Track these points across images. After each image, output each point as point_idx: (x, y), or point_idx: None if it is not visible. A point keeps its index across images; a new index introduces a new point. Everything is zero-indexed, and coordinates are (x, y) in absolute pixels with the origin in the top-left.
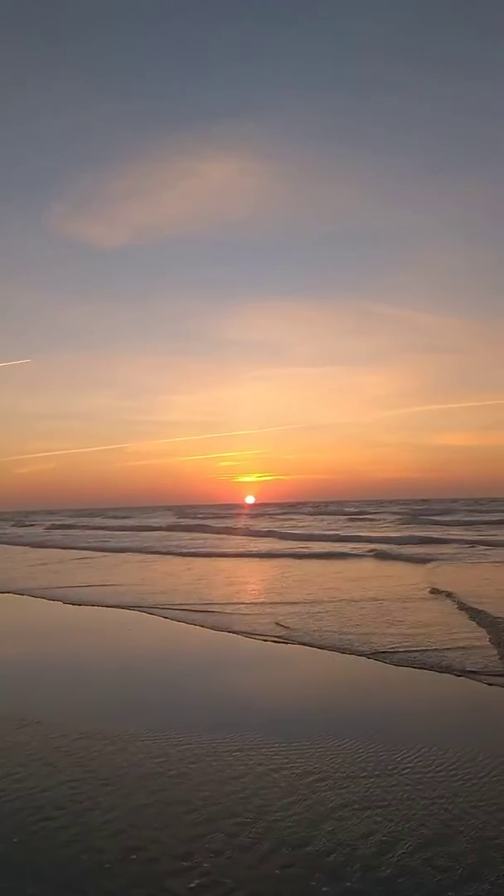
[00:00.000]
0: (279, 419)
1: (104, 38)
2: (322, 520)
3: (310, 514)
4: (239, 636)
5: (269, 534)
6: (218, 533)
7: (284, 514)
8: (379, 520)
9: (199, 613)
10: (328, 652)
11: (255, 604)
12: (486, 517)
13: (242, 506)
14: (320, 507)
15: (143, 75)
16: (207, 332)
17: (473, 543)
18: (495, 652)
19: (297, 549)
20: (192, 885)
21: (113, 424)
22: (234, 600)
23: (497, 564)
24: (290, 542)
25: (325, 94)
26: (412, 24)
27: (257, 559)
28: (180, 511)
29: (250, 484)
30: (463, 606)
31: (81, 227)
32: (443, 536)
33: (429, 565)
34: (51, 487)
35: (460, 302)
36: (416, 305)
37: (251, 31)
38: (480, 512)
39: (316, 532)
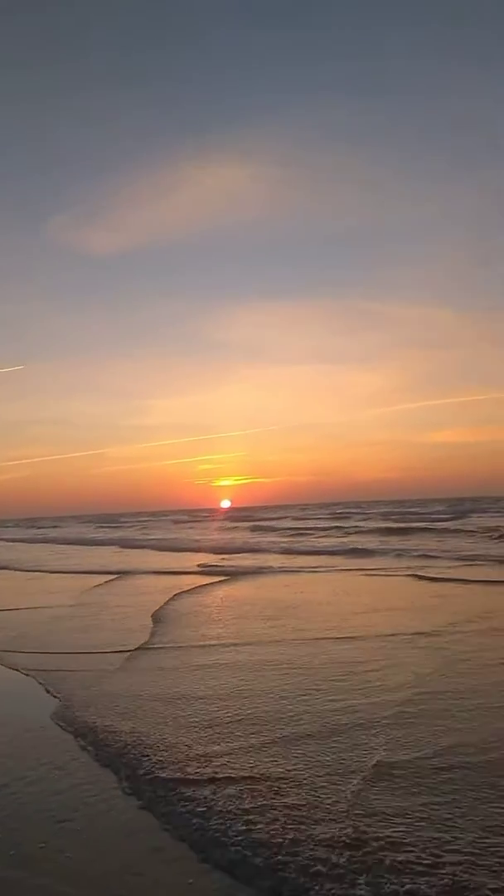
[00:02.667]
0: (263, 420)
1: (106, 47)
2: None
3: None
4: None
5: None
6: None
7: (214, 521)
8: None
9: None
10: None
11: None
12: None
13: (206, 511)
14: (283, 513)
15: (147, 83)
16: (192, 335)
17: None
18: None
19: (126, 567)
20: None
21: (92, 429)
22: None
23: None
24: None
25: (318, 92)
26: (410, 23)
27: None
28: (109, 519)
29: (227, 488)
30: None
31: (80, 235)
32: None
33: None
34: (25, 495)
35: (449, 296)
36: (404, 301)
37: (253, 35)
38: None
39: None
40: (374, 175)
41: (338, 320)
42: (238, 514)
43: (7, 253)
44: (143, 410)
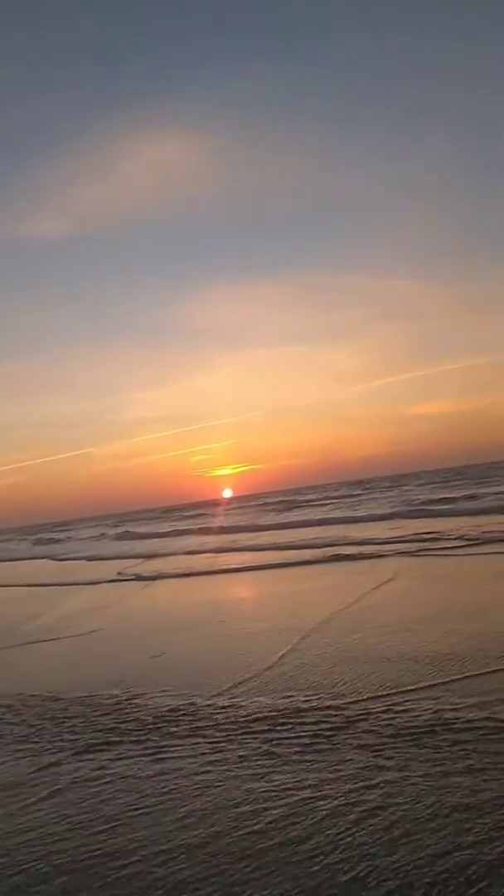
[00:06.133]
0: (250, 405)
1: (32, 26)
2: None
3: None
4: None
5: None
6: None
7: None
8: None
9: None
10: None
11: None
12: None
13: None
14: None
15: (58, 56)
16: (164, 323)
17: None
18: None
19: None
20: None
21: (78, 428)
22: None
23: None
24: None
25: (258, 63)
26: None
27: None
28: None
29: (223, 477)
30: None
31: (21, 221)
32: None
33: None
34: (26, 501)
35: (420, 266)
36: (376, 273)
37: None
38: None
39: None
40: (328, 145)
41: (309, 297)
42: (213, 508)
43: None
44: (125, 405)
